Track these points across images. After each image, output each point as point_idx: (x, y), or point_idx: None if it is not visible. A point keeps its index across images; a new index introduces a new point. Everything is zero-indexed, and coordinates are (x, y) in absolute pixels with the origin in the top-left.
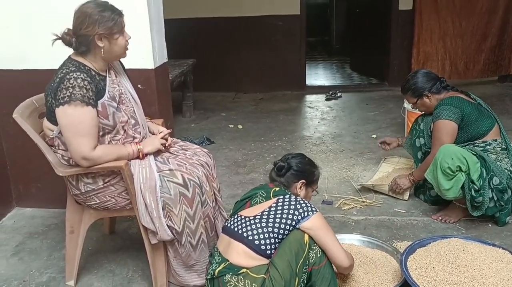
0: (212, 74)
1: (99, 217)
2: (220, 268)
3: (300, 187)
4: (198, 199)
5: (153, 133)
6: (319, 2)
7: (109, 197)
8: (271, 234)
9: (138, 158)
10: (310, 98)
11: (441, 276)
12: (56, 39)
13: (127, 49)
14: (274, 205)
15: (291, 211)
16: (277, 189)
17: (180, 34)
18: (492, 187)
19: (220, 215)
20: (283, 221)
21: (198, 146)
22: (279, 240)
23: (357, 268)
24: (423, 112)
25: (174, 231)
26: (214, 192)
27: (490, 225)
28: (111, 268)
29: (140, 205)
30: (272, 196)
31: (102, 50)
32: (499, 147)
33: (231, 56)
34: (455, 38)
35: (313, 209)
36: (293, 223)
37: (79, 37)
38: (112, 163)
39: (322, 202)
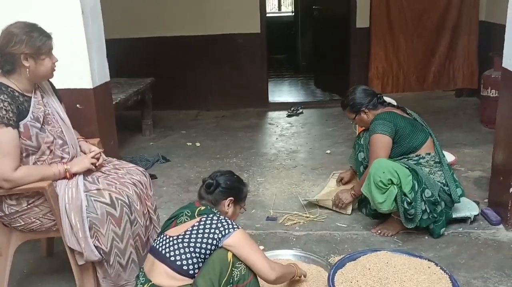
0: (175, 93)
1: (26, 239)
2: None
3: (228, 205)
4: (126, 218)
5: (85, 153)
6: (285, 20)
7: (34, 218)
8: (193, 253)
9: (65, 177)
10: (272, 115)
11: None
12: None
13: (54, 71)
14: (197, 224)
15: (213, 230)
16: (203, 208)
17: (140, 53)
18: (425, 199)
19: (155, 234)
20: (205, 240)
21: (133, 165)
22: (202, 260)
23: (289, 284)
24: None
25: (101, 251)
26: (148, 210)
27: (426, 237)
28: None
29: (65, 226)
30: (197, 215)
31: (27, 70)
32: (432, 160)
33: (194, 75)
34: (408, 54)
35: (235, 226)
36: (215, 241)
37: (4, 55)
38: (35, 184)
39: (267, 218)
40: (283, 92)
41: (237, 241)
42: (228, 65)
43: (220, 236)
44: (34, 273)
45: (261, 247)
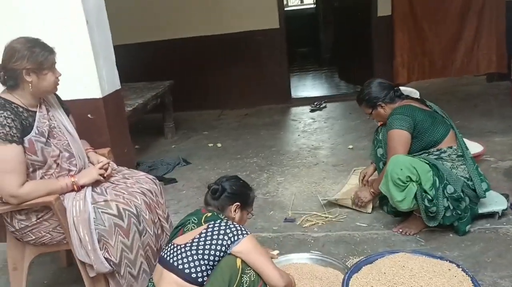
0: (197, 94)
1: (39, 252)
2: None
3: (235, 210)
4: (134, 229)
5: (93, 164)
6: (308, 12)
7: (44, 232)
8: (201, 261)
9: (73, 190)
10: (295, 110)
11: None
12: None
13: (57, 85)
14: (205, 231)
15: (221, 236)
16: (209, 214)
17: (159, 56)
18: (447, 195)
19: None
20: (213, 247)
21: (143, 173)
22: (211, 267)
23: None
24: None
25: (112, 263)
26: (159, 219)
27: (451, 235)
28: None
29: (74, 239)
30: (203, 222)
31: (30, 85)
32: (454, 154)
33: (215, 74)
34: (432, 40)
35: (244, 232)
36: (223, 248)
37: (7, 71)
38: (42, 199)
39: (285, 220)
40: (306, 87)
41: (246, 247)
42: (248, 62)
43: (229, 242)
44: (54, 284)
45: (277, 251)
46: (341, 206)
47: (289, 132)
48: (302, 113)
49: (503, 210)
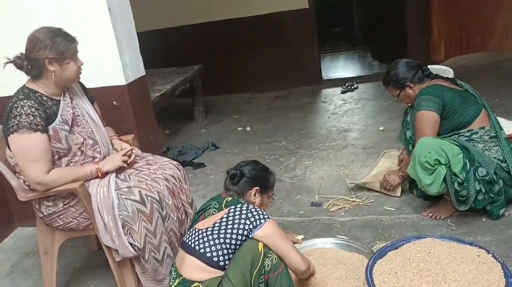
0: (227, 77)
1: (67, 237)
2: (175, 283)
3: (255, 194)
4: (157, 215)
5: (117, 151)
6: None
7: (71, 218)
8: (223, 245)
9: (98, 177)
10: (325, 92)
11: (402, 282)
12: (7, 63)
13: (80, 73)
14: (226, 215)
15: (243, 221)
16: (230, 199)
17: (188, 41)
18: (478, 178)
19: None
20: (235, 231)
21: (167, 159)
22: (233, 251)
23: (330, 274)
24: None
25: (136, 248)
26: (183, 204)
27: (483, 219)
28: (92, 284)
29: (99, 224)
30: (224, 207)
31: (53, 74)
32: (487, 135)
33: (245, 58)
34: (470, 14)
35: (266, 217)
36: (245, 232)
37: (30, 60)
38: (67, 185)
39: (311, 204)
40: (338, 68)
41: (268, 232)
42: (278, 44)
43: (251, 227)
44: (85, 267)
45: (301, 236)
46: (369, 190)
47: (319, 115)
48: (333, 95)
49: None
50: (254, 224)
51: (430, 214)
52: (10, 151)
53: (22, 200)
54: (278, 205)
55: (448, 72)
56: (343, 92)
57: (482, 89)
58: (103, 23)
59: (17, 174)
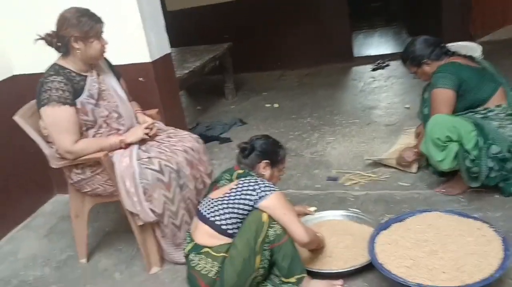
0: (258, 55)
1: (95, 202)
2: (189, 247)
3: (265, 167)
4: (175, 183)
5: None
6: None
7: (97, 184)
8: (232, 214)
9: (121, 148)
10: (356, 70)
11: (401, 251)
12: (39, 39)
13: (104, 52)
14: (235, 186)
15: (249, 192)
16: (241, 171)
17: (220, 19)
18: (491, 156)
19: None
20: (242, 201)
21: (187, 132)
22: (240, 220)
23: (337, 243)
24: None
25: (156, 213)
26: (201, 175)
27: (496, 196)
28: (120, 246)
29: (122, 191)
30: (235, 178)
31: (78, 51)
32: (503, 113)
33: (276, 35)
34: None
35: (272, 188)
36: (251, 203)
37: (59, 38)
38: (93, 155)
39: (328, 178)
40: (372, 45)
41: (272, 203)
42: (309, 22)
43: (256, 197)
44: (114, 231)
45: (314, 208)
46: (386, 166)
47: (346, 92)
48: (363, 72)
49: None
50: (260, 195)
51: (443, 190)
52: (43, 123)
53: (54, 167)
54: (297, 179)
55: (476, 49)
56: (374, 69)
57: (511, 67)
58: (129, 3)
59: (49, 143)
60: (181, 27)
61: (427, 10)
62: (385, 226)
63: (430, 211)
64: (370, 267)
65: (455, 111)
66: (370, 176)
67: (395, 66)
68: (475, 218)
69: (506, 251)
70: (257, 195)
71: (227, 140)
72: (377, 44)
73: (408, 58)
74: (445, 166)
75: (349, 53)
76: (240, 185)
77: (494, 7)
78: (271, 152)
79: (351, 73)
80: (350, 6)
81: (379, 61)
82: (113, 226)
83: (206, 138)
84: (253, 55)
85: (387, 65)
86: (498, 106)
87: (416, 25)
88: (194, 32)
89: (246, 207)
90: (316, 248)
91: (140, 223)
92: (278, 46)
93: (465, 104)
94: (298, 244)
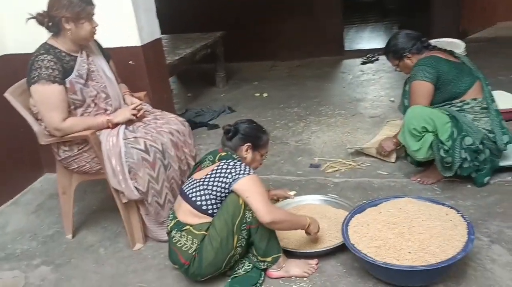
0: (250, 45)
1: (82, 179)
2: (171, 224)
3: (247, 150)
4: (159, 163)
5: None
6: None
7: (84, 162)
8: (211, 195)
9: (108, 127)
10: (346, 63)
11: (372, 233)
12: (30, 18)
13: (94, 34)
14: (216, 168)
15: (226, 175)
16: (224, 153)
17: (214, 7)
18: (465, 147)
19: None
20: (219, 183)
21: (173, 115)
22: (219, 201)
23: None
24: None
25: (140, 191)
26: (185, 157)
27: (469, 186)
28: (105, 224)
29: (108, 169)
30: (217, 160)
31: (69, 32)
32: (478, 106)
33: (268, 25)
34: None
35: (245, 172)
36: (227, 185)
37: (50, 18)
38: (81, 133)
39: (310, 165)
40: (363, 39)
41: (242, 186)
42: (302, 14)
43: (231, 180)
44: (100, 209)
45: (294, 192)
46: (367, 155)
47: (335, 84)
48: (353, 65)
49: None
50: (234, 178)
51: (419, 179)
52: (33, 100)
53: (42, 143)
54: (280, 165)
55: (459, 46)
56: (363, 63)
57: (498, 65)
58: None
59: (39, 121)
60: (173, 15)
61: (419, 7)
62: (360, 209)
63: (403, 197)
64: (343, 249)
65: (434, 103)
66: (350, 164)
67: (384, 60)
68: (443, 204)
69: (470, 235)
70: (231, 178)
71: (215, 126)
72: (368, 39)
73: (391, 51)
74: (421, 156)
75: (340, 46)
76: (219, 167)
77: (483, 5)
78: (254, 136)
79: (341, 66)
80: (344, 0)
81: (368, 55)
82: (99, 205)
83: (195, 124)
84: (246, 45)
85: (377, 59)
86: (474, 99)
87: (407, 21)
88: (187, 20)
89: (223, 189)
90: (307, 231)
91: (125, 201)
92: (271, 37)
93: (443, 96)
94: (263, 223)
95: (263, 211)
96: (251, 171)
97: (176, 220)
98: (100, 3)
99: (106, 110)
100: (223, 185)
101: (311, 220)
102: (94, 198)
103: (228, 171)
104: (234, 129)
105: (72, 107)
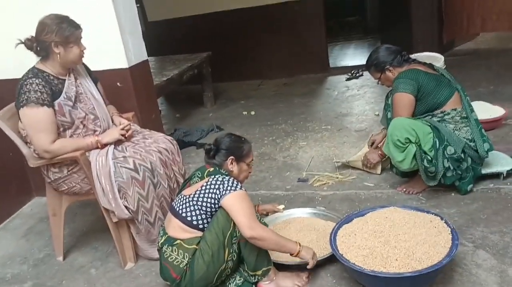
0: (238, 65)
1: (72, 201)
2: (162, 240)
3: (231, 163)
4: (149, 182)
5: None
6: None
7: (74, 183)
8: (201, 210)
9: (98, 147)
10: (331, 79)
11: (359, 242)
12: (19, 43)
13: (82, 57)
14: (205, 184)
15: (215, 190)
16: (211, 169)
17: (201, 30)
18: (447, 156)
19: None
20: (209, 199)
21: (161, 134)
22: (210, 216)
23: (303, 238)
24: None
25: (130, 210)
26: (175, 174)
27: (453, 194)
28: (96, 245)
29: (98, 189)
30: (206, 176)
31: (58, 56)
32: (458, 116)
33: (255, 46)
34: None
35: (233, 188)
36: (216, 201)
37: (39, 43)
38: (70, 154)
39: (298, 180)
40: (347, 56)
41: (229, 201)
42: (287, 33)
43: (219, 196)
44: (91, 231)
45: (282, 206)
46: (354, 168)
47: (321, 101)
48: (338, 82)
49: (508, 171)
50: (222, 193)
51: (404, 189)
52: (22, 123)
53: (32, 166)
54: (269, 180)
55: (439, 59)
56: (348, 79)
57: (478, 77)
58: (107, 12)
59: (28, 144)
60: (161, 37)
61: (400, 24)
62: (347, 220)
63: (389, 207)
64: (333, 260)
65: (415, 114)
66: (338, 177)
67: (368, 76)
68: (428, 212)
69: (454, 240)
70: (220, 193)
71: (204, 145)
72: (352, 56)
73: (372, 64)
74: (405, 166)
75: (325, 64)
76: (209, 183)
77: (463, 19)
78: (235, 148)
79: (326, 82)
80: (328, 20)
81: (353, 71)
82: (90, 227)
83: (184, 144)
84: (232, 65)
85: (361, 75)
86: (454, 109)
87: (390, 38)
88: (174, 42)
89: (213, 205)
90: (294, 254)
91: (115, 220)
92: (257, 57)
93: (424, 107)
94: (245, 237)
95: (245, 226)
96: (239, 186)
97: (166, 236)
98: (87, 27)
99: (95, 131)
100: (212, 201)
101: (303, 247)
102: (84, 220)
103: (217, 186)
104: (214, 147)
105: (61, 129)
